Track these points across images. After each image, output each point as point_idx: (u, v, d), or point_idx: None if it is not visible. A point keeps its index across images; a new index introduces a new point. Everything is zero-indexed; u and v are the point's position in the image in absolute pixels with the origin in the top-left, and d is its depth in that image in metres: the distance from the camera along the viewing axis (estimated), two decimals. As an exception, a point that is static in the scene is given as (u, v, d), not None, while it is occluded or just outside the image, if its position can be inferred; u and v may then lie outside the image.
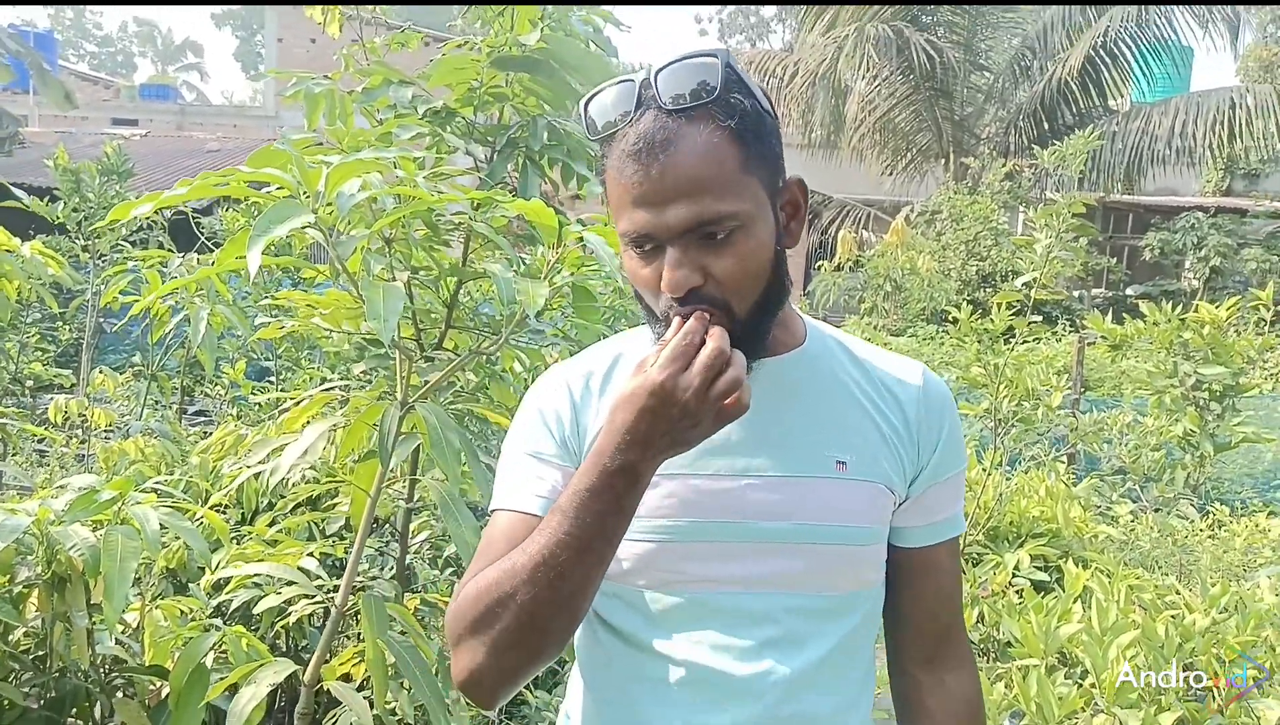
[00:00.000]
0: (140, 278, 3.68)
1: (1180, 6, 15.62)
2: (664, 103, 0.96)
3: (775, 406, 1.07)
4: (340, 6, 2.06)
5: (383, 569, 2.52)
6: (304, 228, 1.34)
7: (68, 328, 6.76)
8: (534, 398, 1.14)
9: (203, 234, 5.85)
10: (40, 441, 4.54)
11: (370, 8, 2.09)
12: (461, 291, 2.06)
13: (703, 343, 0.93)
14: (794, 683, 1.04)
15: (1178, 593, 3.68)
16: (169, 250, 3.83)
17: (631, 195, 0.97)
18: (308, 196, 1.38)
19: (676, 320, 0.96)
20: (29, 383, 5.24)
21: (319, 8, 2.03)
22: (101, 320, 5.90)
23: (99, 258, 5.52)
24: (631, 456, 0.92)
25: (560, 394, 1.12)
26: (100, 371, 4.34)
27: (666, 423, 0.91)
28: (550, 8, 1.85)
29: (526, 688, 2.63)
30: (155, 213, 6.08)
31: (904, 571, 1.15)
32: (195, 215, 5.98)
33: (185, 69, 56.24)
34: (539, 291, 1.39)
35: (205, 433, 4.35)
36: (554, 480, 1.07)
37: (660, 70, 0.97)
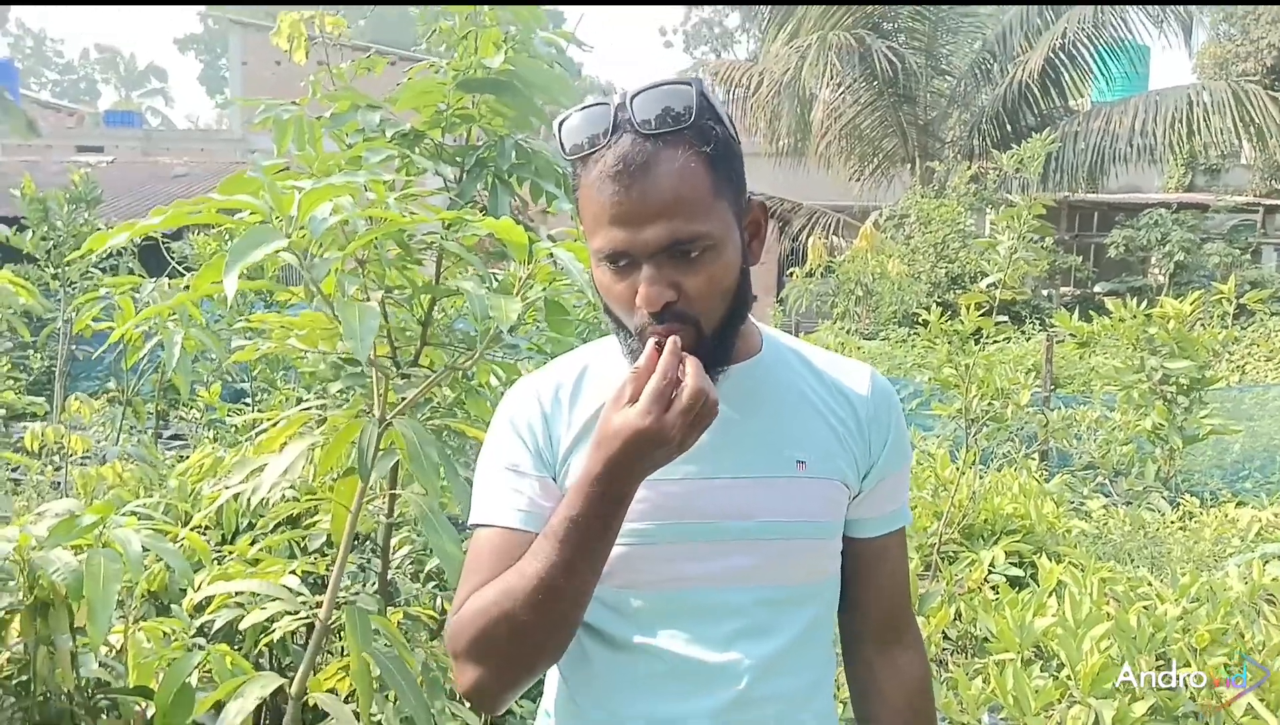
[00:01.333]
0: (113, 304, 3.68)
1: (1136, 6, 15.90)
2: (640, 126, 1.01)
3: (737, 412, 1.13)
4: (305, 35, 2.09)
5: (365, 585, 2.54)
6: (278, 252, 1.37)
7: (39, 356, 6.72)
8: (505, 411, 1.19)
9: (173, 259, 5.84)
10: (15, 469, 4.52)
11: (335, 32, 2.12)
12: (436, 309, 2.09)
13: (678, 379, 0.98)
14: (764, 668, 1.10)
15: (1149, 584, 3.75)
16: (140, 276, 3.83)
17: (609, 214, 1.02)
18: (280, 221, 1.41)
19: (650, 347, 1.00)
20: (1, 412, 5.21)
21: (285, 36, 2.06)
22: (74, 347, 5.87)
23: (69, 285, 5.50)
24: (617, 487, 0.99)
25: (531, 405, 1.16)
26: (76, 398, 4.33)
27: (651, 458, 0.98)
28: (513, 29, 1.89)
29: (511, 698, 2.65)
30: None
31: (857, 561, 1.22)
32: (165, 240, 5.97)
33: (149, 94, 55.88)
34: (512, 307, 1.43)
35: (182, 456, 4.34)
36: (531, 492, 1.12)
37: (636, 95, 1.02)
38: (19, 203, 5.56)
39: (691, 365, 0.98)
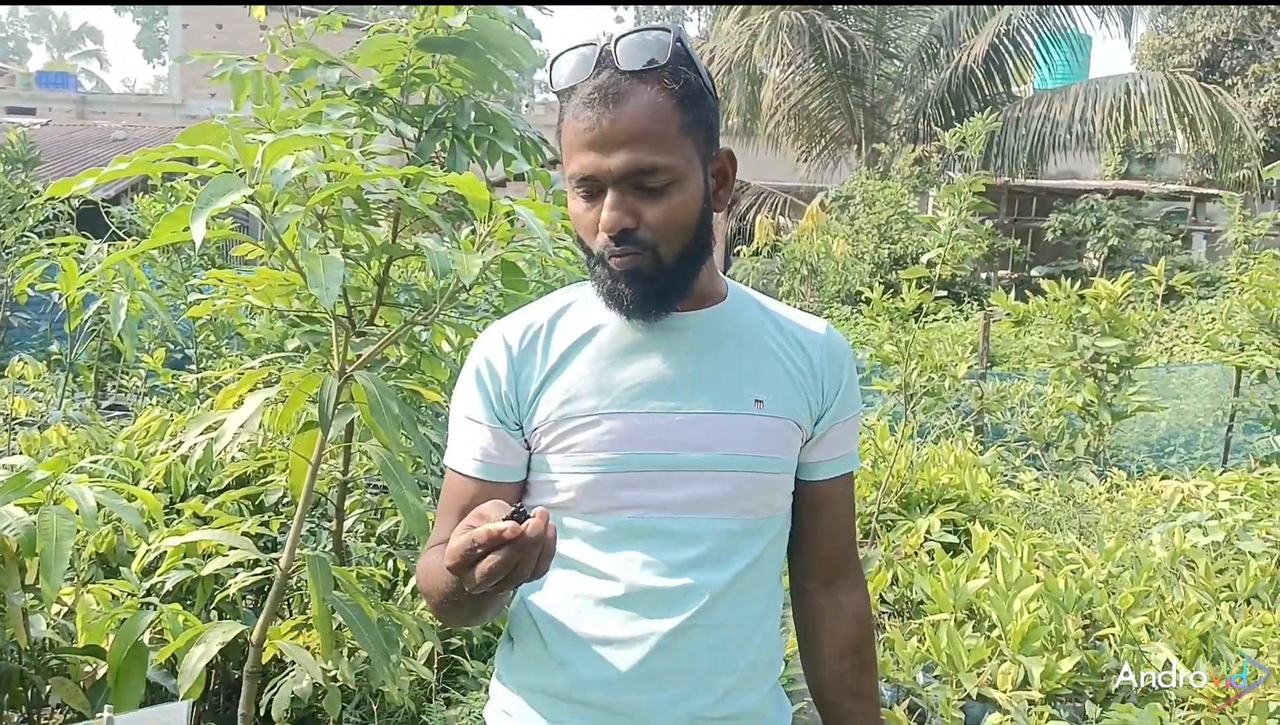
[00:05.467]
0: (54, 267, 3.62)
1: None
2: (619, 64, 1.09)
3: (702, 352, 1.19)
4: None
5: (317, 546, 2.55)
6: (243, 201, 1.38)
7: (-30, 322, 6.53)
8: (472, 356, 1.24)
9: (113, 222, 5.72)
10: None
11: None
12: (391, 270, 2.11)
13: (479, 554, 0.92)
14: (716, 594, 1.16)
15: (1077, 550, 3.91)
16: (85, 237, 3.76)
17: (582, 140, 1.10)
18: (243, 173, 1.43)
19: (506, 516, 0.93)
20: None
21: (245, -10, 2.05)
22: (8, 313, 5.73)
23: (4, 249, 5.36)
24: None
25: (496, 350, 1.22)
26: (20, 359, 4.23)
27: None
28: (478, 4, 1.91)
29: (463, 656, 2.69)
30: (63, 201, 5.92)
31: (807, 503, 1.28)
32: (105, 204, 5.84)
33: (84, 56, 53.98)
34: (473, 262, 1.46)
35: (122, 426, 4.28)
36: (484, 442, 1.20)
37: (620, 38, 1.11)
38: (-50, 163, 5.39)
39: (497, 556, 0.91)
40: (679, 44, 1.11)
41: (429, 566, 1.15)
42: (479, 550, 0.91)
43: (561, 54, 1.13)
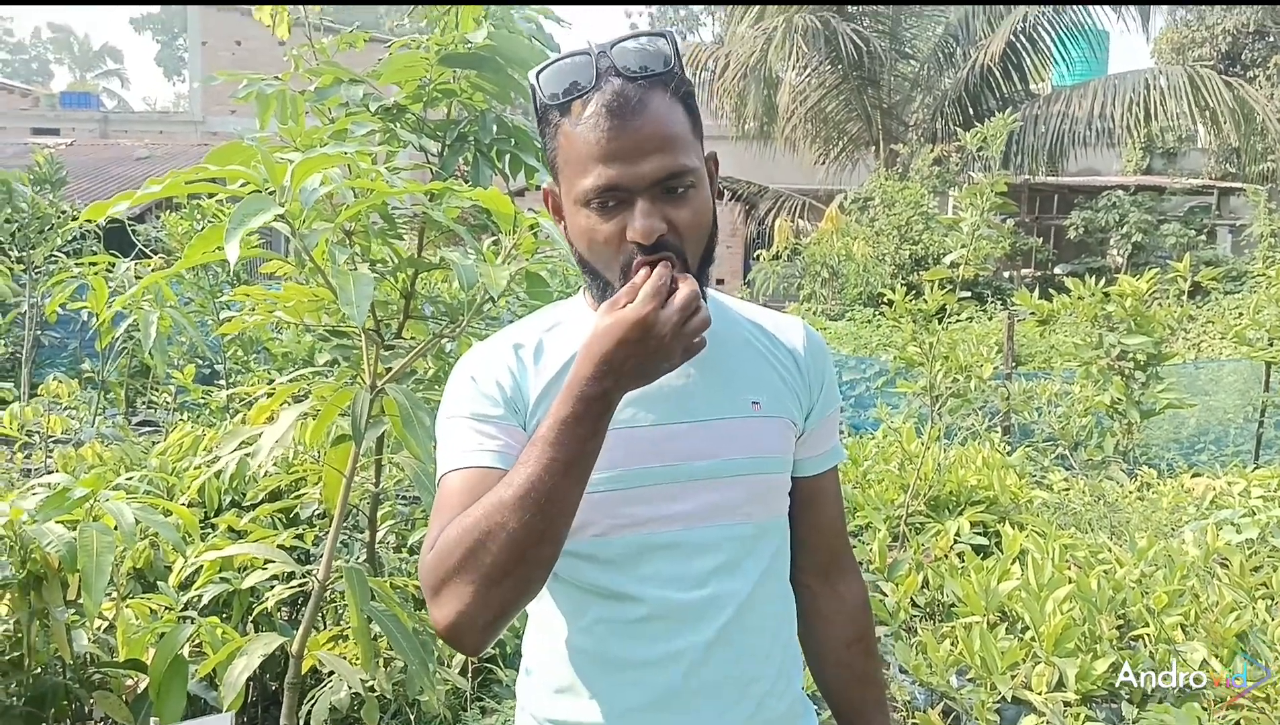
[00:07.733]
0: (84, 285, 3.67)
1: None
2: (625, 71, 1.07)
3: (695, 360, 1.14)
4: (288, 10, 2.11)
5: (350, 558, 2.57)
6: (274, 220, 1.41)
7: (2, 342, 6.64)
8: (468, 369, 1.18)
9: (139, 240, 5.80)
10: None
11: (316, 9, 2.14)
12: (417, 283, 2.13)
13: (674, 285, 1.02)
14: (741, 602, 1.16)
15: (1109, 550, 3.87)
16: (114, 256, 3.82)
17: (605, 151, 1.05)
18: (272, 192, 1.45)
19: (645, 270, 1.04)
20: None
21: (267, 11, 2.08)
22: (39, 332, 5.81)
23: (34, 269, 5.44)
24: (607, 384, 1.00)
25: (497, 361, 1.17)
26: (55, 378, 4.29)
27: (642, 355, 1.00)
28: (493, 5, 1.93)
29: (497, 664, 2.70)
30: (90, 221, 6.01)
31: (802, 498, 1.29)
32: (130, 223, 5.92)
33: (105, 75, 54.74)
34: (500, 274, 1.48)
35: (153, 442, 4.33)
36: (505, 437, 1.11)
37: (616, 45, 1.09)
38: (-21, 186, 5.47)
39: (687, 275, 1.04)
40: (675, 48, 1.11)
41: (480, 518, 1.00)
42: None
43: (552, 64, 1.10)
